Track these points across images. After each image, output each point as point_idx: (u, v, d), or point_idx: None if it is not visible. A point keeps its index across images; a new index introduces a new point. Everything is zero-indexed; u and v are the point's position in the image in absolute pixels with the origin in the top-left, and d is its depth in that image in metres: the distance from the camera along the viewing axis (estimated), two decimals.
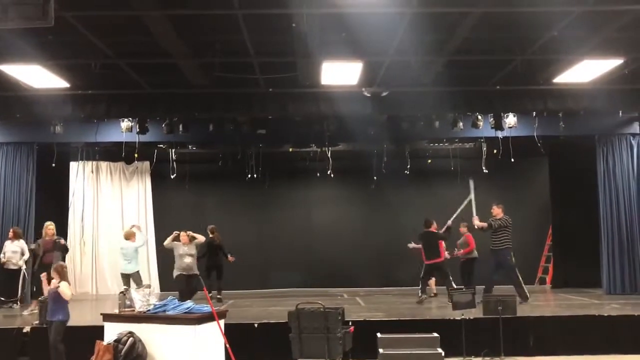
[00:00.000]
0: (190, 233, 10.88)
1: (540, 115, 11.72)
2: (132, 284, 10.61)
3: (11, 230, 11.60)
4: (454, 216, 11.00)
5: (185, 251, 10.67)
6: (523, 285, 10.65)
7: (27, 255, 11.65)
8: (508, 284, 10.94)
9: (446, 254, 11.82)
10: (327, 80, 9.54)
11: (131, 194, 14.94)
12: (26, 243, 11.75)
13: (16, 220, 12.06)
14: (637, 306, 9.89)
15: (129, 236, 11.43)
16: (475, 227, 10.90)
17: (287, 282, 14.53)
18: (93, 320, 8.13)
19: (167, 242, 10.87)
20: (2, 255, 11.41)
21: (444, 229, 11.12)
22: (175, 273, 10.66)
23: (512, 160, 12.11)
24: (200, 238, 10.97)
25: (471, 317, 8.42)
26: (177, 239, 10.81)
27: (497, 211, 10.85)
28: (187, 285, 10.47)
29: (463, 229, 12.47)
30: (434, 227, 11.15)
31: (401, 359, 7.87)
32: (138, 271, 11.24)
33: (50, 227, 10.88)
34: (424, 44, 8.48)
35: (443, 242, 11.16)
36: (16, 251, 11.51)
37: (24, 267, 11.51)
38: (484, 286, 10.63)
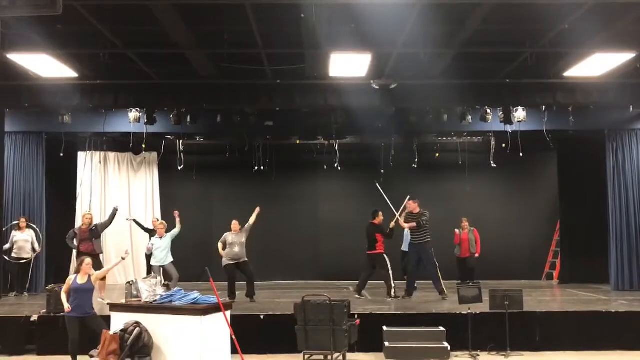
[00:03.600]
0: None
1: (550, 109, 11.65)
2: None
3: (22, 220, 11.68)
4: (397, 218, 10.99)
5: (234, 239, 10.62)
6: (441, 280, 10.63)
7: (37, 244, 11.75)
8: (428, 278, 10.92)
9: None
10: (335, 72, 9.49)
11: (139, 184, 14.97)
12: (37, 233, 11.86)
13: (26, 210, 12.14)
14: None
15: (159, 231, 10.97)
16: (405, 228, 10.94)
17: (293, 274, 14.54)
18: (100, 310, 8.16)
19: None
20: (9, 244, 11.52)
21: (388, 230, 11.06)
22: (224, 263, 10.58)
23: (521, 154, 12.03)
24: (251, 221, 10.83)
25: (478, 312, 8.40)
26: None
27: (414, 206, 10.84)
28: (241, 272, 10.54)
29: (466, 224, 12.44)
30: (377, 220, 11.10)
31: (407, 352, 7.89)
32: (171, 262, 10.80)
33: (87, 216, 10.89)
34: (433, 36, 8.42)
35: (382, 236, 10.97)
36: (28, 240, 11.64)
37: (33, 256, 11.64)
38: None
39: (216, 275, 7.36)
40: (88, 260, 7.52)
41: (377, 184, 11.30)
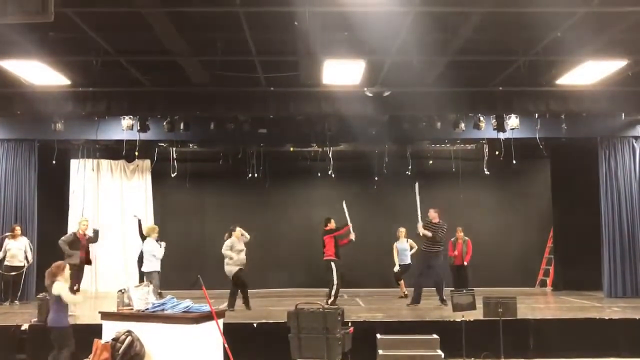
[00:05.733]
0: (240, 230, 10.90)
1: (543, 116, 11.70)
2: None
3: (17, 228, 11.60)
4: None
5: (243, 247, 10.69)
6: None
7: (30, 254, 11.67)
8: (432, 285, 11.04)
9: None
10: (328, 80, 9.51)
11: (132, 192, 14.89)
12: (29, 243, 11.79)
13: (18, 218, 12.06)
14: (637, 309, 9.86)
15: (151, 232, 10.81)
16: (420, 234, 10.96)
17: (286, 282, 14.49)
18: (91, 319, 8.10)
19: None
20: (2, 254, 11.44)
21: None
22: (235, 269, 10.50)
23: (514, 161, 12.07)
24: (247, 235, 10.91)
25: (471, 319, 8.38)
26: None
27: (434, 215, 10.98)
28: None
29: (460, 234, 12.48)
30: (329, 226, 11.15)
31: None
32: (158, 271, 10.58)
33: (84, 222, 10.86)
34: (426, 43, 8.44)
35: (332, 240, 10.94)
36: (21, 248, 11.57)
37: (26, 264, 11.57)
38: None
39: (208, 283, 7.31)
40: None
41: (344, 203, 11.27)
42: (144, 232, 10.87)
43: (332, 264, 10.81)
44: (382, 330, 8.33)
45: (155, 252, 10.49)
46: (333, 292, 10.68)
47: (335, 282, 10.69)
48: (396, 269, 12.57)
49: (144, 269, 10.53)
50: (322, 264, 11.15)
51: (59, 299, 7.01)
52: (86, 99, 10.64)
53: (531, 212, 15.04)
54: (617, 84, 10.00)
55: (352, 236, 11.13)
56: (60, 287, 7.01)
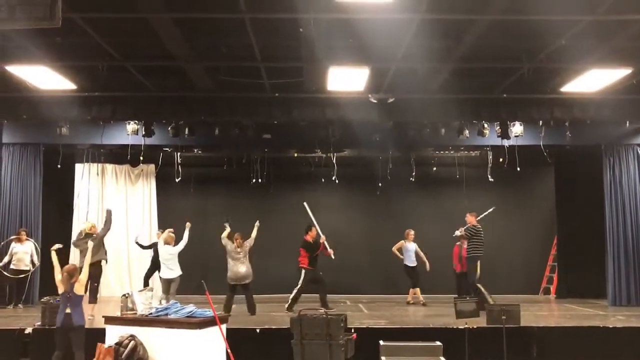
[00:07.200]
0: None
1: (547, 124, 11.69)
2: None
3: (23, 232, 11.63)
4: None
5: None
6: (483, 294, 10.74)
7: (36, 257, 11.69)
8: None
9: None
10: (333, 86, 9.53)
11: (136, 196, 14.94)
12: (36, 246, 11.81)
13: (23, 221, 12.10)
14: None
15: (170, 240, 10.81)
16: (456, 234, 11.35)
17: (289, 288, 14.44)
18: (95, 323, 8.11)
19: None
20: (8, 257, 11.46)
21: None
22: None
23: (518, 169, 12.07)
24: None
25: (475, 326, 8.36)
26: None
27: (470, 219, 11.21)
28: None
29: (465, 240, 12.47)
30: (309, 235, 11.35)
31: None
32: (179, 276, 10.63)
33: (93, 227, 10.88)
34: (431, 50, 8.46)
35: (305, 251, 11.18)
36: (27, 252, 11.60)
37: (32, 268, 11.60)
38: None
39: (212, 288, 7.32)
40: None
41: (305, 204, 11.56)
42: (163, 240, 10.78)
43: (303, 271, 11.06)
44: (385, 337, 8.31)
45: (174, 254, 10.54)
46: (292, 296, 10.81)
47: (299, 286, 10.90)
48: (412, 264, 12.54)
49: (170, 275, 10.47)
50: (322, 270, 11.25)
51: (79, 298, 7.05)
52: (91, 104, 10.69)
53: (535, 220, 15.00)
54: (621, 92, 10.00)
55: (331, 253, 11.35)
56: (81, 286, 7.09)
